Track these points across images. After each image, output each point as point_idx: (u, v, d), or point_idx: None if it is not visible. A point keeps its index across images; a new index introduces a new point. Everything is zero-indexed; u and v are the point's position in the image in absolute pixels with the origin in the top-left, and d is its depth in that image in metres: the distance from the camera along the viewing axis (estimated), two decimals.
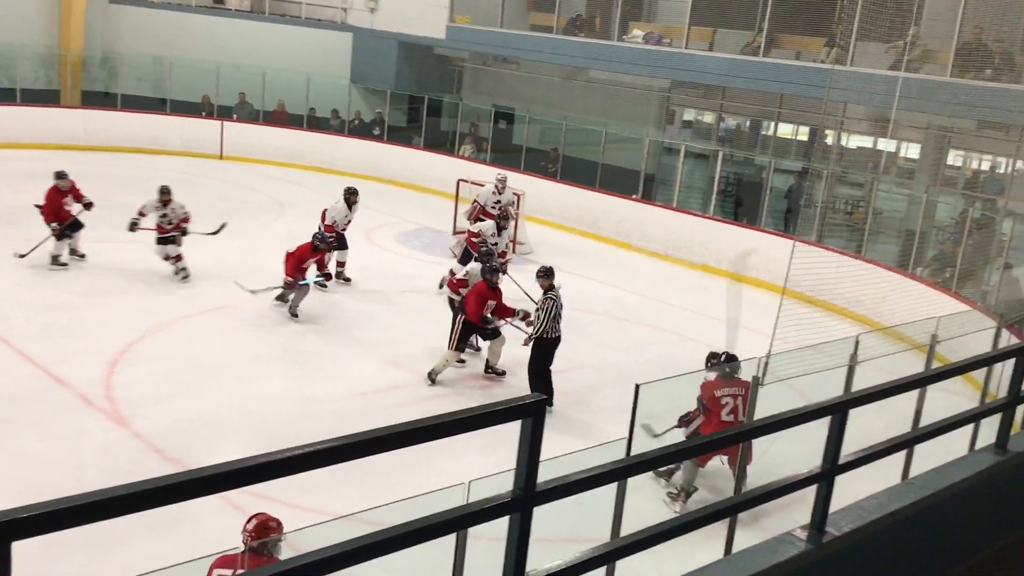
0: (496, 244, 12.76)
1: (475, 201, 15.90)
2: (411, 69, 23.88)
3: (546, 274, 9.80)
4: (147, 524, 6.41)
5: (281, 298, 11.99)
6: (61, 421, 8.35)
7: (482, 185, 16.22)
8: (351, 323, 11.90)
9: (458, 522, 2.13)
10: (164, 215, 12.52)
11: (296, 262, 11.72)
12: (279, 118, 22.92)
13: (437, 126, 23.36)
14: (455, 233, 17.04)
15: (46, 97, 22.23)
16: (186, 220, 12.70)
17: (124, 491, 1.62)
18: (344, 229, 13.53)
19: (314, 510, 6.86)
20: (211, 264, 13.64)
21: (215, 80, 22.63)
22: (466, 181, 17.39)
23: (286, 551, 5.16)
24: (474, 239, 13.21)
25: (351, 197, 13.69)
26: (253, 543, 4.97)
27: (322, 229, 13.18)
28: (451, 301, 11.07)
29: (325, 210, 13.62)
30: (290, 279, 11.69)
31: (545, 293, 9.65)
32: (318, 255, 12.15)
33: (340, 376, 10.09)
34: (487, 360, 10.53)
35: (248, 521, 5.14)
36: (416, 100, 23.20)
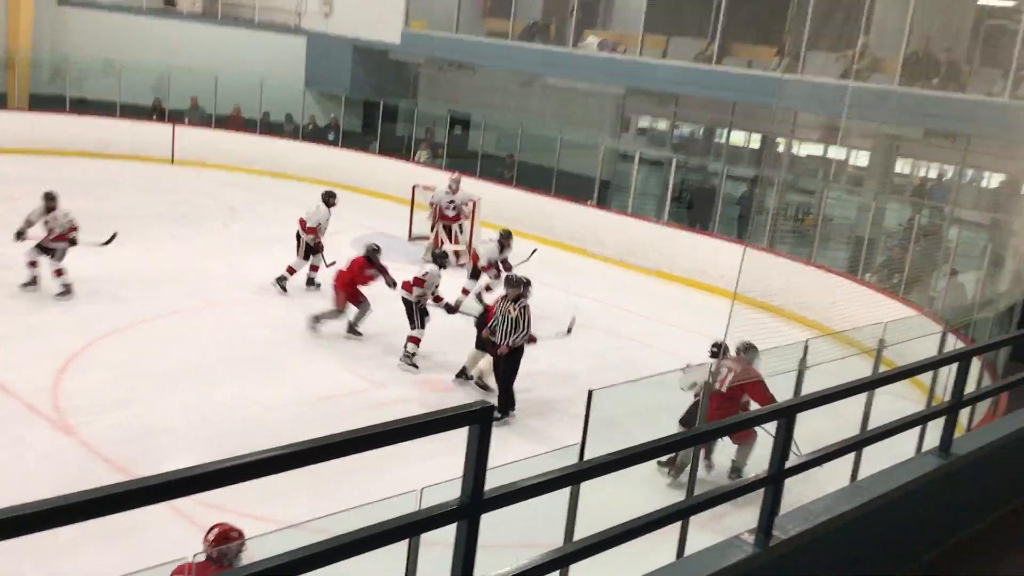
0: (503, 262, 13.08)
1: (431, 203, 15.91)
2: (366, 74, 23.76)
3: (517, 283, 9.87)
4: (95, 534, 6.32)
5: (318, 318, 11.60)
6: (5, 430, 8.18)
7: (434, 189, 16.24)
8: (303, 328, 11.79)
9: (405, 530, 2.13)
10: (46, 222, 11.61)
11: (352, 280, 11.48)
12: (234, 123, 22.68)
13: (392, 131, 23.26)
14: (411, 239, 17.00)
15: None
16: (73, 230, 11.78)
17: (64, 501, 1.59)
18: (324, 233, 13.42)
19: (267, 519, 6.78)
20: (163, 270, 13.47)
21: (166, 84, 22.32)
22: (423, 187, 17.35)
23: (244, 559, 5.12)
24: (478, 260, 13.55)
25: (331, 200, 13.62)
26: (212, 552, 4.91)
27: (301, 230, 13.22)
28: (405, 302, 11.03)
29: (302, 218, 13.36)
30: (346, 300, 11.51)
31: (516, 301, 9.67)
32: (374, 267, 11.62)
33: (296, 382, 10.00)
34: (478, 373, 10.49)
35: (209, 531, 5.08)
36: (371, 105, 23.10)
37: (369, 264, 11.55)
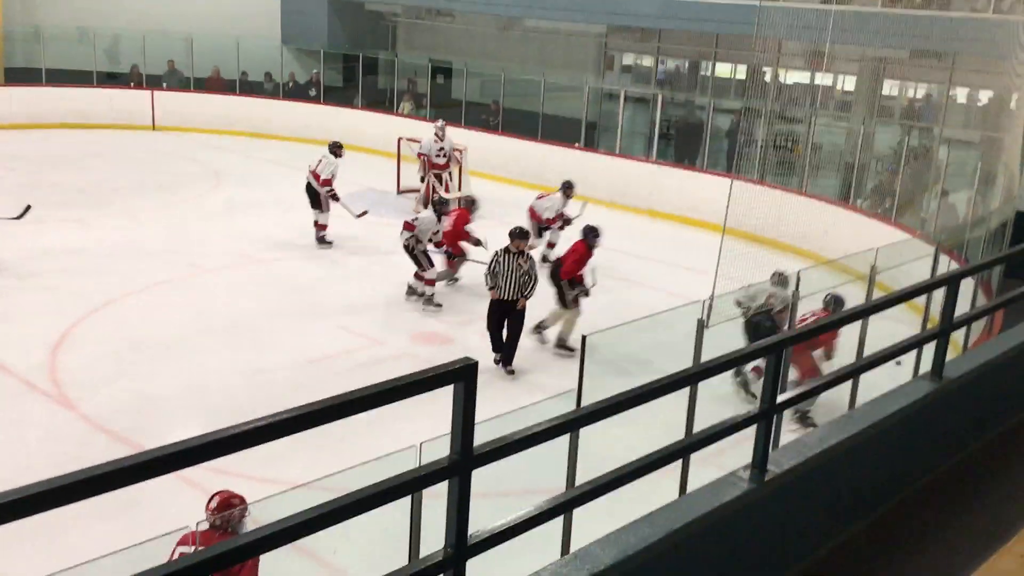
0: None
1: (420, 155, 15.80)
2: (343, 27, 23.43)
3: (524, 235, 9.94)
4: (101, 506, 6.34)
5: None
6: (4, 407, 8.19)
7: (419, 141, 16.11)
8: (299, 289, 11.77)
9: (400, 489, 2.12)
10: None
11: (457, 236, 11.61)
12: (215, 84, 22.39)
13: (374, 84, 23.00)
14: (399, 192, 16.90)
15: None
16: None
17: (70, 479, 1.59)
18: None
19: (272, 480, 6.82)
20: (150, 239, 13.39)
21: (142, 49, 21.99)
22: (408, 139, 17.20)
23: (249, 524, 5.15)
24: (540, 214, 13.38)
25: (338, 150, 13.68)
26: (216, 520, 4.94)
27: (315, 184, 13.35)
28: (406, 248, 11.07)
29: (315, 171, 13.42)
30: (456, 255, 11.70)
31: (523, 253, 9.70)
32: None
33: (287, 345, 10.00)
34: (559, 333, 10.23)
35: (211, 499, 5.11)
36: (351, 59, 22.80)
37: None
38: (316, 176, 13.32)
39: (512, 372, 9.54)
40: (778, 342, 3.10)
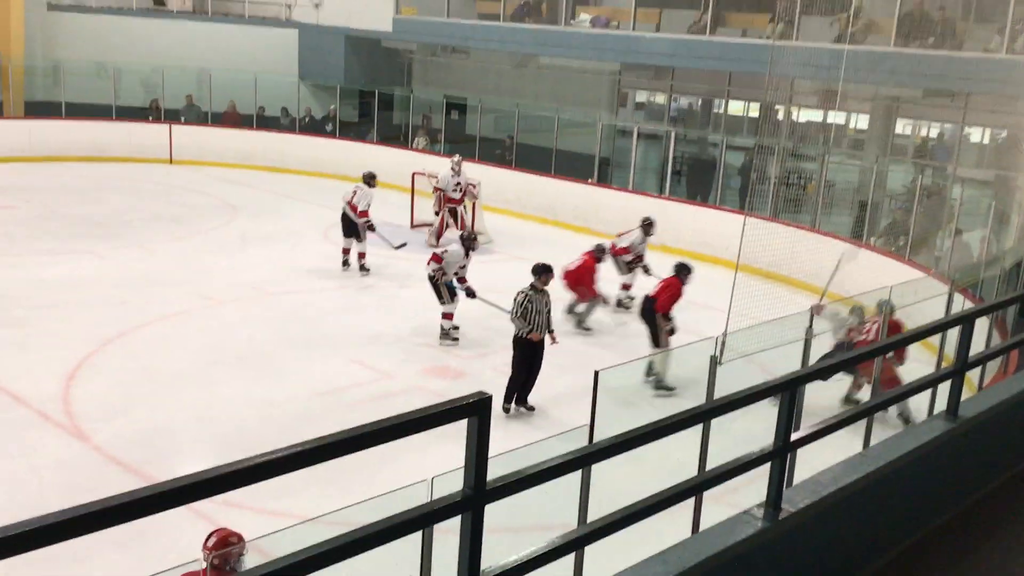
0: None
1: (436, 189, 15.91)
2: (359, 63, 23.69)
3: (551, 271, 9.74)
4: (111, 537, 6.33)
5: (579, 316, 12.00)
6: (19, 438, 8.21)
7: (436, 176, 16.22)
8: (310, 322, 11.80)
9: (412, 524, 2.12)
10: None
11: (591, 275, 11.93)
12: (231, 119, 22.64)
13: (389, 119, 23.20)
14: (413, 227, 16.97)
15: None
16: None
17: (83, 511, 1.59)
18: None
19: (282, 513, 6.81)
20: (164, 271, 13.47)
21: (161, 84, 22.28)
22: (421, 173, 17.31)
23: (255, 559, 5.11)
24: (622, 253, 13.17)
25: (372, 181, 14.04)
26: (214, 560, 4.89)
27: (352, 215, 13.71)
28: (431, 279, 11.09)
29: (351, 202, 13.76)
30: (593, 294, 11.89)
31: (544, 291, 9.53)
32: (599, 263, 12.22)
33: (300, 377, 10.00)
34: (656, 373, 9.85)
35: (208, 538, 5.05)
36: (367, 94, 23.03)
37: (597, 262, 11.98)
38: (353, 208, 13.70)
39: (532, 409, 9.41)
40: (791, 380, 3.09)
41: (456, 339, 11.09)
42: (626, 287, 13.16)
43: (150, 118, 22.44)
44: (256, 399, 9.33)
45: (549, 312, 9.45)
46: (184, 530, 6.68)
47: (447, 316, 11.10)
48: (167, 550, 6.32)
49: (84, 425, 8.54)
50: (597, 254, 12.24)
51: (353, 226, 13.76)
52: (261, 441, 8.17)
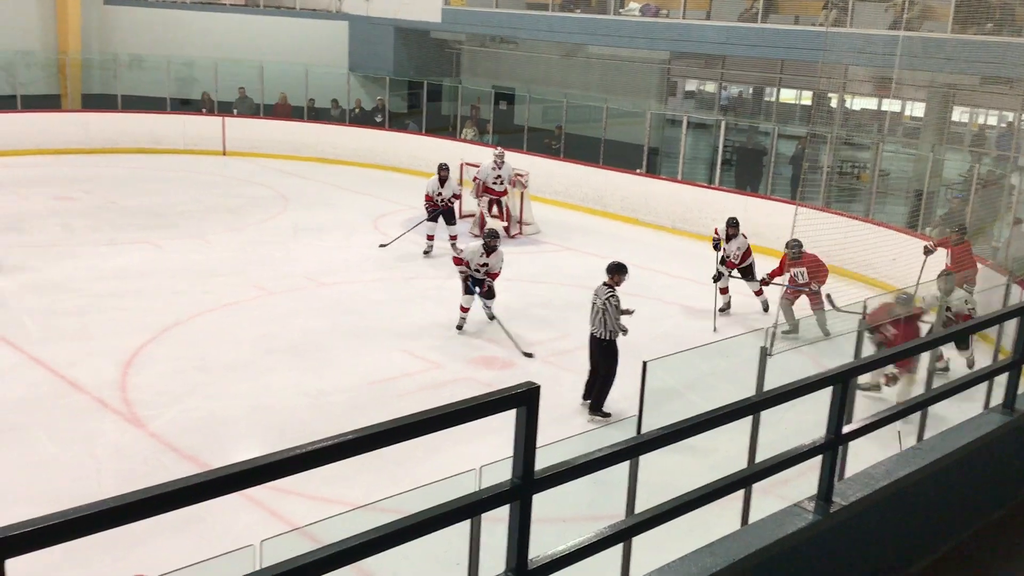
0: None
1: (475, 178, 15.96)
2: (409, 54, 23.79)
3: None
4: (168, 523, 6.47)
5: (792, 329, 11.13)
6: (76, 425, 8.41)
7: (479, 166, 16.28)
8: (361, 312, 11.92)
9: (460, 512, 2.14)
10: None
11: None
12: (282, 111, 22.91)
13: (438, 110, 23.28)
14: (460, 216, 17.02)
15: (47, 102, 22.26)
16: None
17: (141, 495, 1.63)
18: (444, 202, 14.54)
19: (333, 501, 6.91)
20: (218, 262, 13.68)
21: (214, 76, 22.60)
22: (468, 164, 17.37)
23: (307, 545, 5.17)
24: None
25: (442, 172, 14.49)
26: None
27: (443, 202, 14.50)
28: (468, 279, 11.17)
29: (439, 193, 14.55)
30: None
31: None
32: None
33: (350, 366, 10.11)
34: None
35: None
36: (415, 85, 23.13)
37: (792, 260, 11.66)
38: (427, 198, 14.62)
39: (608, 415, 9.13)
40: (842, 372, 3.05)
41: (460, 327, 11.21)
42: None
43: (203, 110, 22.78)
44: (308, 388, 9.46)
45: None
46: (239, 516, 6.81)
47: (463, 309, 11.26)
48: (222, 535, 6.45)
49: (141, 412, 8.72)
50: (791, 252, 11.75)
51: (440, 213, 14.51)
52: (312, 430, 8.28)
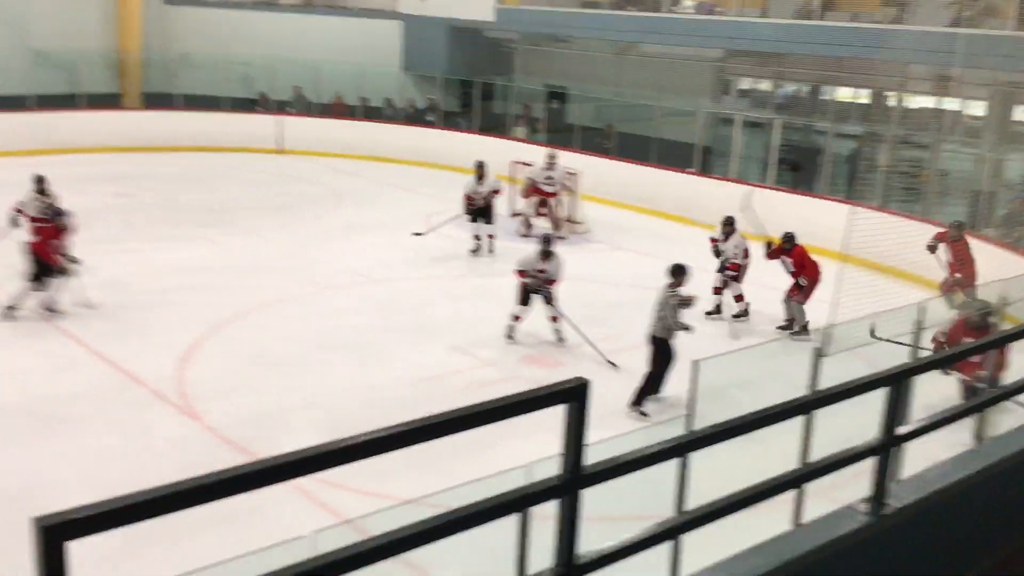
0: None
1: (527, 178, 15.98)
2: (462, 53, 23.89)
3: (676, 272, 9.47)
4: (218, 515, 6.57)
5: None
6: (135, 417, 8.59)
7: (531, 164, 16.30)
8: (412, 309, 12.00)
9: (510, 505, 2.15)
10: (38, 207, 11.14)
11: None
12: (336, 110, 23.18)
13: (490, 109, 23.35)
14: (513, 215, 17.05)
15: (108, 101, 22.76)
16: (59, 213, 11.20)
17: (196, 483, 1.66)
18: (483, 198, 14.55)
19: (383, 495, 6.96)
20: (272, 258, 13.87)
21: (271, 76, 22.93)
22: (519, 163, 17.38)
23: (355, 537, 5.22)
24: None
25: (479, 170, 14.65)
26: None
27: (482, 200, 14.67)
28: (524, 287, 10.99)
29: (476, 189, 14.69)
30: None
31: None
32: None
33: (402, 363, 10.19)
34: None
35: None
36: (468, 84, 23.24)
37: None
38: (495, 193, 14.82)
39: (647, 415, 9.17)
40: (897, 373, 3.01)
41: (510, 336, 10.91)
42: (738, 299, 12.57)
43: (260, 109, 23.11)
44: (359, 384, 9.55)
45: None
46: (290, 508, 6.90)
47: (514, 317, 10.95)
48: (273, 527, 6.53)
49: (197, 405, 8.88)
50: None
51: (479, 212, 14.52)
52: (364, 425, 8.30)
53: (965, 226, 12.39)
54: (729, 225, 12.48)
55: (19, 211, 11.23)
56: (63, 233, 11.22)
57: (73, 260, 11.25)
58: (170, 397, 9.03)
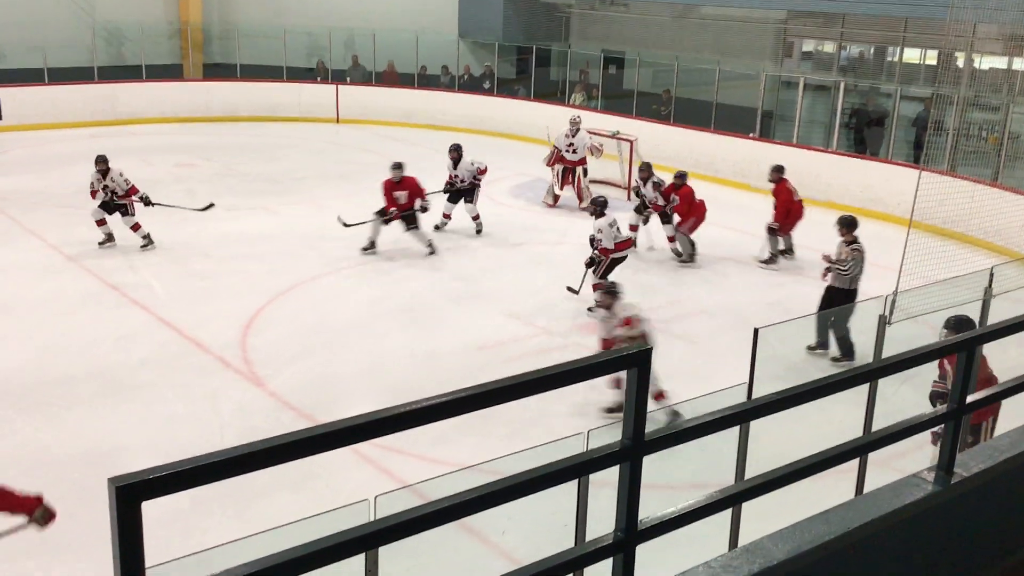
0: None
1: (553, 145, 15.80)
2: (518, 19, 23.72)
3: (849, 224, 9.85)
4: (284, 479, 6.74)
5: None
6: (200, 383, 8.79)
7: (601, 134, 16.12)
8: (469, 278, 12.05)
9: (570, 472, 2.16)
10: (105, 186, 12.29)
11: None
12: (389, 78, 23.21)
13: (546, 76, 23.18)
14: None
15: (170, 72, 23.09)
16: (133, 191, 12.44)
17: (262, 446, 1.69)
18: (459, 182, 14.06)
19: (442, 461, 7.05)
20: (331, 227, 13.99)
21: (328, 45, 23.02)
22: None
23: (414, 501, 5.29)
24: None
25: (452, 154, 14.28)
26: None
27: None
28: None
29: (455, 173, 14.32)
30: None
31: (851, 244, 9.68)
32: None
33: (460, 331, 10.25)
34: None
35: None
36: (524, 51, 23.08)
37: None
38: (482, 172, 14.24)
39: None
40: (968, 339, 2.94)
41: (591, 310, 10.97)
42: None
43: (318, 79, 23.25)
44: (418, 351, 9.64)
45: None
46: (352, 473, 7.02)
47: (596, 287, 10.91)
48: (336, 491, 6.65)
49: (260, 371, 9.05)
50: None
51: (460, 193, 14.11)
52: (423, 391, 8.41)
53: (784, 169, 13.39)
54: (645, 171, 13.35)
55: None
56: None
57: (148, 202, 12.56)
58: (234, 363, 9.21)
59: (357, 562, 4.05)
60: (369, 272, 12.13)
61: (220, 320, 10.26)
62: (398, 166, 12.88)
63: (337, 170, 17.94)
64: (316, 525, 4.44)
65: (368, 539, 1.92)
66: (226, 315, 10.40)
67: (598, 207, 11.12)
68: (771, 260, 12.80)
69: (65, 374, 8.82)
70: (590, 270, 10.99)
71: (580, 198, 15.49)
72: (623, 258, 11.15)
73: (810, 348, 9.73)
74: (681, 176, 13.13)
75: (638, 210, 13.29)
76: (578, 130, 15.54)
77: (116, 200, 12.38)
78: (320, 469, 6.82)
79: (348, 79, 23.15)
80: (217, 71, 23.53)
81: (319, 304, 10.95)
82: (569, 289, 11.17)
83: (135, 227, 12.54)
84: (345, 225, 12.75)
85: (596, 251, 10.99)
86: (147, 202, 12.53)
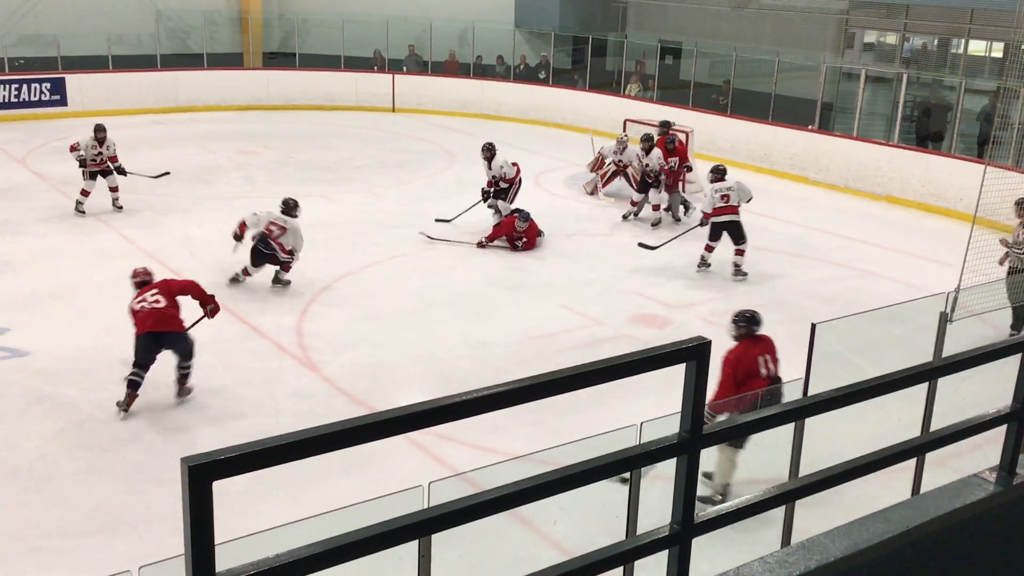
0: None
1: (600, 152, 15.72)
2: (575, 9, 23.63)
3: None
4: (339, 464, 6.82)
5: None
6: (261, 368, 8.93)
7: (652, 124, 15.95)
8: (521, 268, 12.07)
9: (625, 464, 2.17)
10: (100, 153, 13.40)
11: None
12: (450, 68, 23.30)
13: (602, 66, 23.07)
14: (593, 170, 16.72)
15: (230, 60, 23.43)
16: (113, 159, 13.58)
17: (317, 432, 1.74)
18: (499, 182, 13.87)
19: (494, 450, 7.08)
20: (387, 215, 14.12)
21: (384, 34, 23.17)
22: (633, 120, 17.14)
23: (466, 489, 5.32)
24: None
25: (484, 153, 14.06)
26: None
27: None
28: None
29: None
30: None
31: None
32: None
33: (512, 320, 10.28)
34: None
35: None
36: (580, 41, 23.00)
37: None
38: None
39: None
40: None
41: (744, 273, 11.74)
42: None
43: (375, 68, 23.42)
44: (471, 340, 9.69)
45: None
46: (404, 460, 7.09)
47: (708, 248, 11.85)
48: (389, 477, 6.73)
49: (315, 357, 9.17)
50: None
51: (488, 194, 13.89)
52: (475, 380, 8.49)
53: (670, 124, 14.70)
54: (647, 141, 14.03)
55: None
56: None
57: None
58: (290, 349, 9.35)
59: (409, 547, 4.10)
60: (422, 260, 12.21)
61: (277, 306, 10.42)
62: (526, 217, 12.69)
63: (393, 159, 18.08)
64: (372, 510, 4.51)
65: (423, 525, 1.94)
66: (283, 301, 10.56)
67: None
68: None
69: (126, 356, 9.02)
70: (689, 231, 12.22)
71: (604, 184, 15.61)
72: (724, 223, 11.65)
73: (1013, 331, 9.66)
74: (665, 124, 13.74)
75: (655, 187, 14.05)
76: (625, 147, 15.37)
77: (111, 165, 13.51)
78: (373, 455, 6.90)
79: (404, 68, 23.28)
80: (276, 60, 23.83)
81: (373, 292, 11.05)
82: (642, 245, 12.37)
83: (116, 188, 13.59)
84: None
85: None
86: (121, 171, 13.62)
